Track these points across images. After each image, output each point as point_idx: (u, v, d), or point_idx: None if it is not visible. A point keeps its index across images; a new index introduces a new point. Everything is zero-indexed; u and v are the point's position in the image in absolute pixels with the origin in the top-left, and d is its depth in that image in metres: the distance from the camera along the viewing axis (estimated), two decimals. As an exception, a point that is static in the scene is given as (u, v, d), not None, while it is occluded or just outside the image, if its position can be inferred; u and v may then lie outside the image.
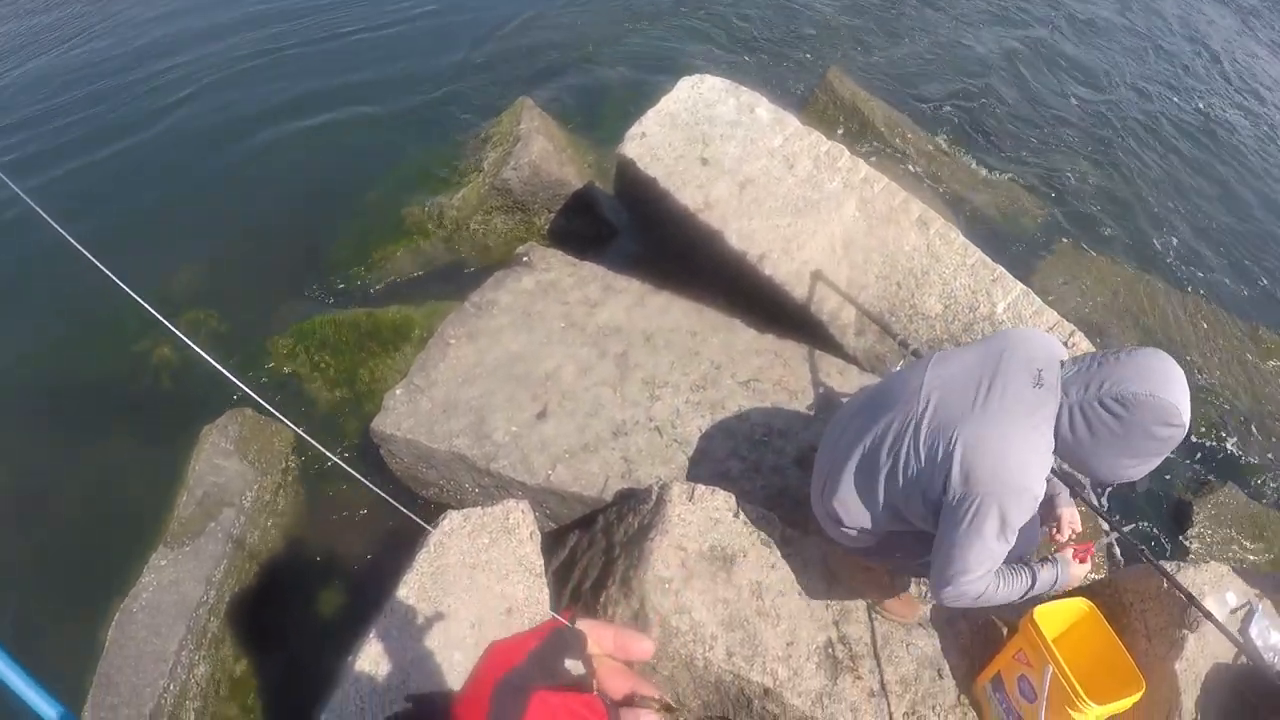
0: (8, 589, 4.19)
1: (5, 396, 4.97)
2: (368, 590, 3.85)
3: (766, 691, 3.06)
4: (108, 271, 2.33)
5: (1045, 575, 2.77)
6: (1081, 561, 2.86)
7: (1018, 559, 2.99)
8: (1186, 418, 2.32)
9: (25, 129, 6.92)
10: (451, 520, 3.44)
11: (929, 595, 3.51)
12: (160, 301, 5.31)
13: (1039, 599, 3.26)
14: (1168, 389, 2.31)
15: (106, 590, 3.94)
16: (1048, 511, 2.97)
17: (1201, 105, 9.52)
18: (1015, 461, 2.45)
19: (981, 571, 2.59)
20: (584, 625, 1.86)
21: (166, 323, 2.50)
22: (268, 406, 3.17)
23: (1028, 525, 2.78)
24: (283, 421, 3.08)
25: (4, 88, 7.54)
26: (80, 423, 4.82)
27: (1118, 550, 4.67)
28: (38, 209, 2.72)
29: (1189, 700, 3.11)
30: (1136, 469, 2.49)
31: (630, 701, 1.92)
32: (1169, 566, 3.27)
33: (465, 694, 1.59)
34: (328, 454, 3.08)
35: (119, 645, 3.58)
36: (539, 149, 5.62)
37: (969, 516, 2.49)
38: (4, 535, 4.38)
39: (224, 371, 2.50)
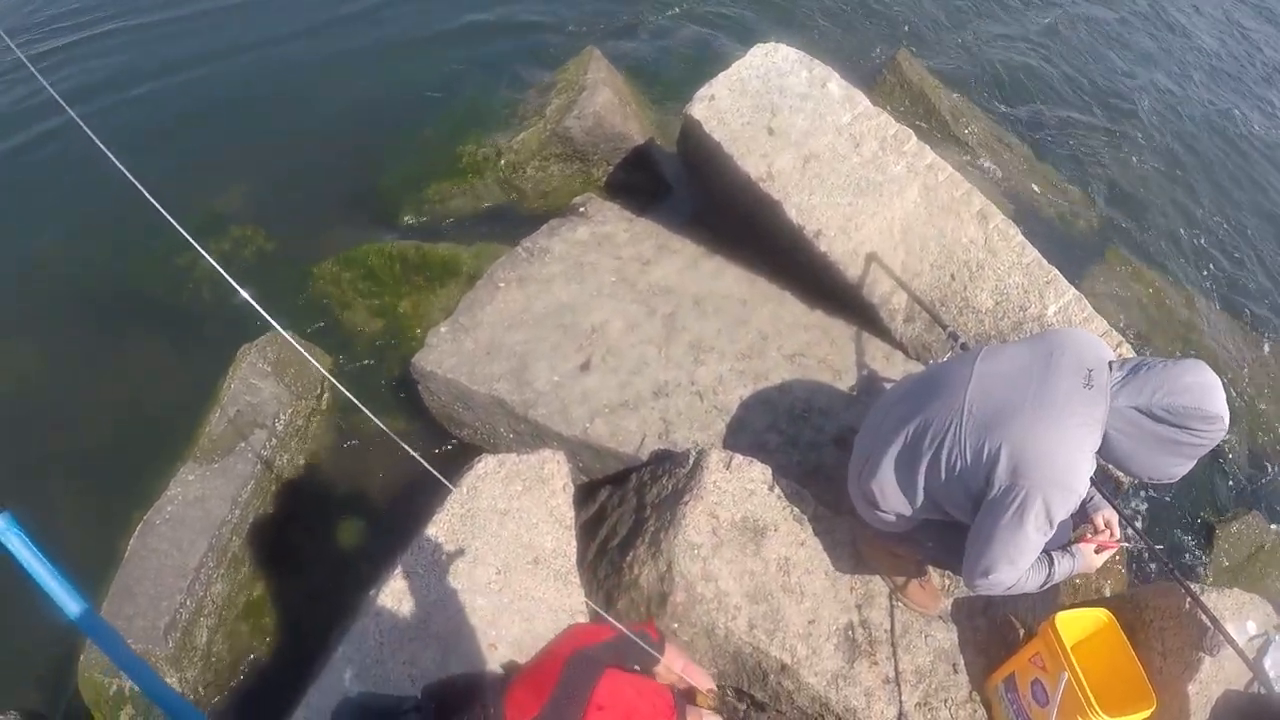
0: (33, 490, 4.22)
1: (46, 302, 5.01)
2: (393, 525, 3.85)
3: (784, 667, 3.07)
4: (142, 189, 2.31)
5: (1063, 565, 2.81)
6: (1099, 552, 2.88)
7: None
8: (1227, 421, 2.45)
9: (80, 60, 6.85)
10: (486, 464, 3.44)
11: (951, 589, 3.50)
12: (207, 217, 5.44)
13: (1048, 596, 3.26)
14: (1211, 400, 2.42)
15: (131, 500, 3.97)
16: (1079, 513, 2.97)
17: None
18: (1064, 459, 2.49)
19: (1020, 564, 2.61)
20: (668, 647, 1.88)
21: (197, 245, 2.47)
22: (295, 344, 3.15)
23: (1065, 521, 2.78)
24: (309, 359, 3.06)
25: (59, 15, 7.48)
26: (118, 332, 4.85)
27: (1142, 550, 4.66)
28: (79, 121, 2.71)
29: (1198, 722, 3.11)
30: (1177, 469, 2.59)
31: (689, 694, 1.95)
32: (1194, 588, 3.26)
33: (539, 661, 1.61)
34: (353, 399, 3.05)
35: (139, 556, 3.61)
36: (604, 100, 5.56)
37: (1012, 509, 2.51)
38: (35, 437, 4.44)
39: (254, 304, 2.47)
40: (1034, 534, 2.54)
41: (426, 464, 2.68)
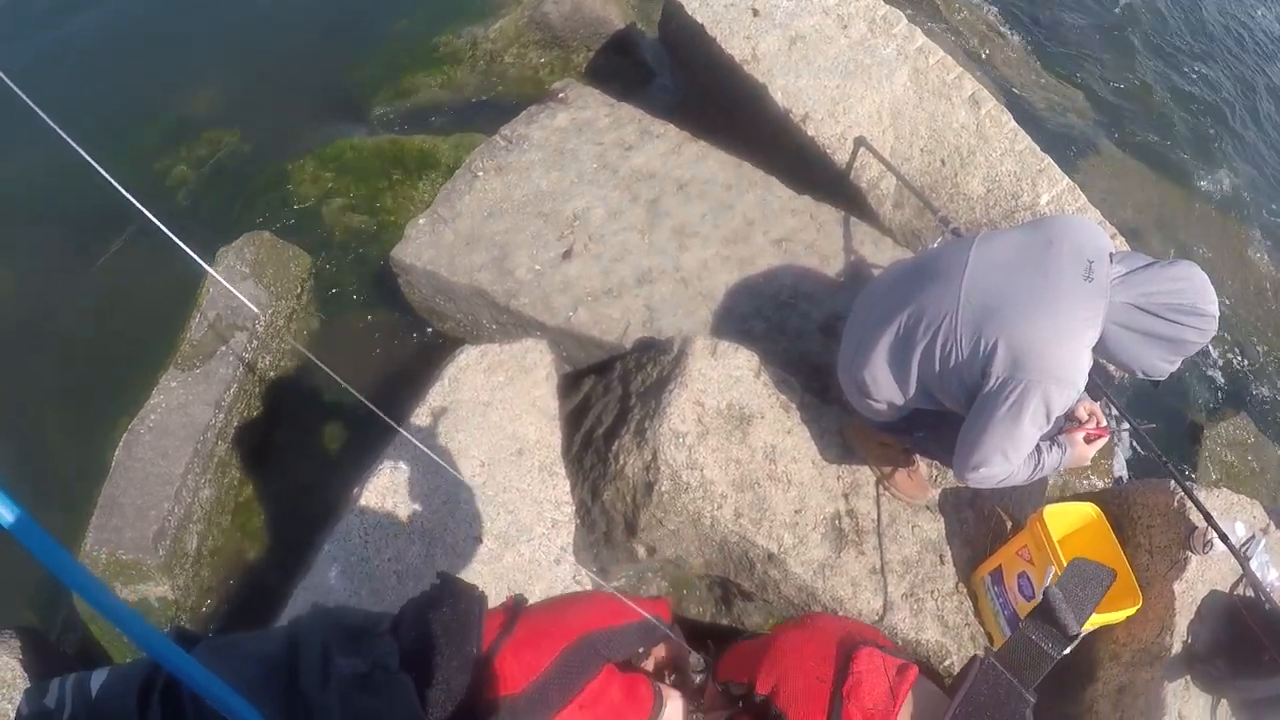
0: (15, 404, 4.18)
1: (15, 211, 4.86)
2: (377, 422, 3.81)
3: (770, 556, 3.06)
4: (66, 137, 2.15)
5: (1053, 457, 2.76)
6: (1089, 442, 2.84)
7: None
8: (1216, 323, 2.49)
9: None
10: (468, 355, 3.39)
11: (939, 479, 3.49)
12: (179, 120, 5.29)
13: (1036, 489, 3.24)
14: (1207, 299, 2.44)
15: (114, 410, 3.93)
16: None
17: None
18: (1066, 352, 2.44)
19: (1013, 458, 2.59)
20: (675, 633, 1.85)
21: (130, 197, 2.31)
22: (225, 284, 3.02)
23: (1061, 414, 2.74)
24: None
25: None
26: (92, 240, 4.70)
27: (1132, 444, 4.66)
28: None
29: (1182, 621, 3.14)
30: (1168, 365, 2.57)
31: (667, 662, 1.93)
32: (1188, 484, 3.26)
33: (542, 626, 1.57)
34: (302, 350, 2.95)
35: (124, 467, 3.56)
36: (582, -16, 5.39)
37: (1009, 401, 2.47)
38: (12, 350, 4.34)
39: (193, 255, 2.34)
40: (1030, 428, 2.51)
41: (366, 401, 2.60)
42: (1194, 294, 2.42)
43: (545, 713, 1.43)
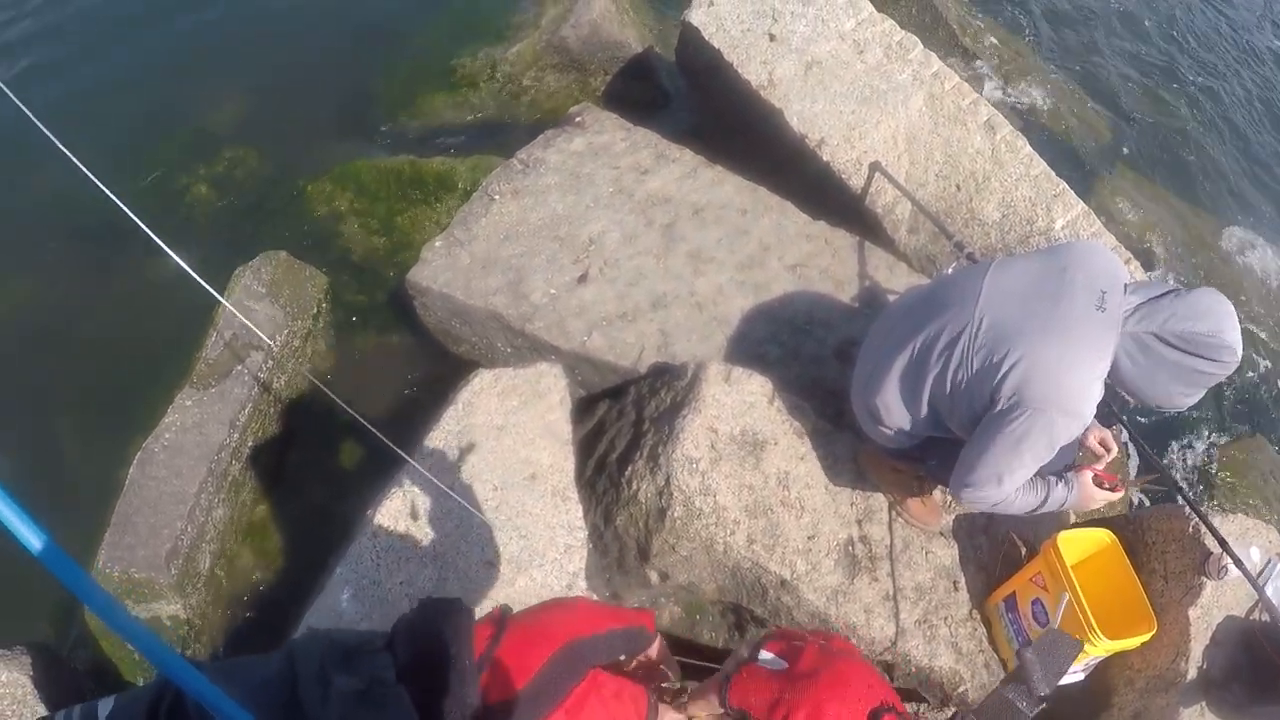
0: (30, 420, 4.20)
1: (34, 230, 4.90)
2: (398, 444, 3.83)
3: (783, 583, 3.05)
4: (75, 159, 2.14)
5: (1058, 493, 2.72)
6: (1100, 486, 2.78)
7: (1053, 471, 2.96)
8: (1240, 353, 2.38)
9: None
10: (482, 379, 3.40)
11: (952, 505, 3.47)
12: (198, 138, 5.34)
13: (1049, 516, 3.22)
14: (1227, 329, 2.36)
15: (129, 428, 3.93)
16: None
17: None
18: (1075, 382, 2.42)
19: (1006, 483, 2.56)
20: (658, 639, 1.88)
21: (145, 227, 2.30)
22: (238, 315, 3.04)
23: (1067, 445, 2.71)
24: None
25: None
26: (110, 259, 4.73)
27: (1139, 496, 4.64)
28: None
29: (1197, 647, 3.12)
30: (1186, 399, 2.51)
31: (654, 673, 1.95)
32: (1202, 510, 3.24)
33: (528, 634, 1.58)
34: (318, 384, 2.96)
35: (138, 485, 3.57)
36: (600, 8, 5.40)
37: (1013, 427, 2.46)
38: (30, 365, 4.38)
39: (204, 285, 2.33)
40: (1029, 457, 2.50)
41: (377, 432, 2.58)
42: (1215, 322, 2.36)
43: (534, 718, 1.45)
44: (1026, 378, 2.42)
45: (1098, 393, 2.46)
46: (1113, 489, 2.80)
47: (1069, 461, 2.88)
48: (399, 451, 2.80)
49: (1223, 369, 2.41)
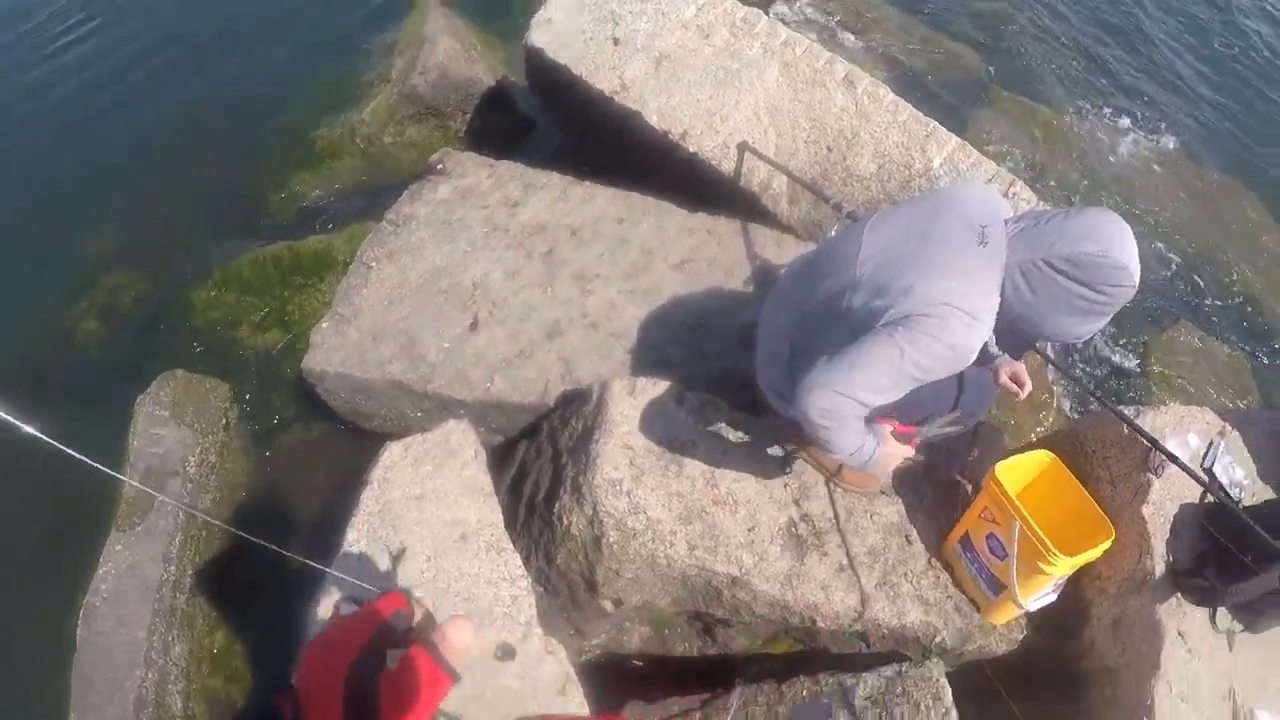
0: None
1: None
2: (327, 535, 3.72)
3: (734, 580, 3.00)
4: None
5: (869, 444, 2.53)
6: (898, 438, 2.66)
7: (968, 414, 2.92)
8: (1137, 275, 2.22)
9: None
10: (391, 452, 3.34)
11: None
12: (77, 270, 5.17)
13: (993, 451, 3.19)
14: (1118, 247, 2.21)
15: (68, 587, 3.78)
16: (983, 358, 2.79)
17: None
18: (956, 323, 2.27)
19: (858, 398, 2.35)
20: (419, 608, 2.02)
21: (17, 422, 2.15)
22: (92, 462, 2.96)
23: (984, 386, 2.68)
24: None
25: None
26: (8, 410, 4.56)
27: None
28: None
29: (1159, 543, 3.11)
30: (1085, 328, 2.39)
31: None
32: (1129, 411, 3.23)
33: (315, 692, 1.63)
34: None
35: (88, 642, 3.49)
36: (445, 49, 5.37)
37: (886, 344, 2.30)
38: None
39: (92, 463, 2.18)
40: (888, 379, 2.32)
41: (288, 553, 2.48)
42: (1104, 241, 2.21)
43: None
44: (915, 299, 2.29)
45: (986, 331, 2.34)
46: (908, 442, 2.72)
47: (988, 399, 2.84)
48: (316, 565, 2.72)
49: (1117, 294, 2.26)
